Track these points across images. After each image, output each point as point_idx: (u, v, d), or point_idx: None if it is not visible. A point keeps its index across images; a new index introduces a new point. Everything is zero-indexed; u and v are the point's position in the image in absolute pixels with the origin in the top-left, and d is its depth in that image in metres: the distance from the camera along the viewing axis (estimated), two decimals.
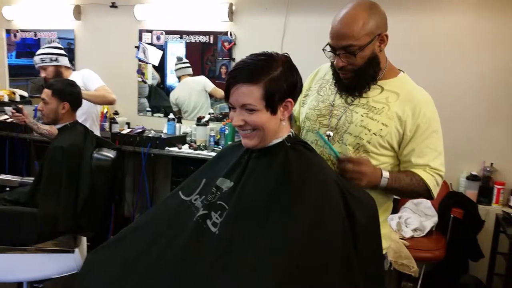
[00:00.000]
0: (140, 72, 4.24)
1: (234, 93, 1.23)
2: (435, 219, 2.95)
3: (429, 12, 3.32)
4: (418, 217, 2.98)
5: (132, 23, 4.15)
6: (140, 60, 4.21)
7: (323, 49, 1.45)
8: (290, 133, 1.32)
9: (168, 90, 4.22)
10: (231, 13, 3.81)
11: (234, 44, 3.88)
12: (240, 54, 3.88)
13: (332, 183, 1.23)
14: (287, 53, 1.29)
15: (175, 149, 3.52)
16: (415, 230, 2.85)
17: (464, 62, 3.25)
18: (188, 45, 4.05)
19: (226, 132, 3.62)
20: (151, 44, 4.16)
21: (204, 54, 4.01)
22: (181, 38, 4.07)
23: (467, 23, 3.23)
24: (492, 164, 3.22)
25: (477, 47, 3.22)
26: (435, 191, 1.45)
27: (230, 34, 3.86)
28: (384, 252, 1.49)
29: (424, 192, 1.44)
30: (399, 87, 1.44)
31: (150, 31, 4.16)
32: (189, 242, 1.23)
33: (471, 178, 3.20)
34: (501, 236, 2.52)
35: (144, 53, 4.16)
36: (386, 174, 1.38)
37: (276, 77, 1.21)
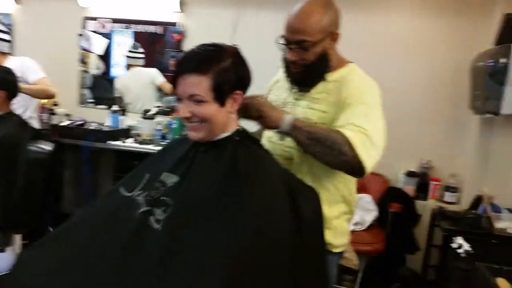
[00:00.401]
0: (83, 61, 4.05)
1: (181, 83, 1.20)
2: (375, 213, 3.05)
3: (377, 12, 3.43)
4: (359, 211, 3.07)
5: (76, 9, 3.95)
6: (83, 48, 4.03)
7: (277, 41, 1.45)
8: (239, 127, 1.31)
9: (112, 81, 4.07)
10: (182, 4, 3.73)
11: (184, 36, 3.81)
12: (190, 46, 3.76)
13: (279, 177, 1.23)
14: (236, 45, 1.27)
15: (118, 143, 3.40)
16: (355, 224, 2.93)
17: (403, 63, 3.39)
18: (136, 35, 3.92)
19: (174, 126, 3.55)
20: (96, 32, 3.99)
21: (153, 45, 3.90)
22: (128, 27, 3.93)
23: (411, 25, 3.36)
24: (429, 161, 3.39)
25: (417, 49, 3.37)
26: (362, 150, 1.24)
27: (180, 26, 3.78)
28: (336, 250, 1.51)
29: (345, 147, 1.24)
30: (342, 75, 1.44)
31: (95, 19, 3.98)
32: (130, 240, 1.19)
33: (409, 174, 3.35)
34: (436, 230, 2.66)
35: (87, 41, 3.98)
36: (287, 112, 1.34)
37: (226, 68, 1.20)
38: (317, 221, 1.31)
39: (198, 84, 1.18)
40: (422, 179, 3.34)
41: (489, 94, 2.72)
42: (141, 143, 3.40)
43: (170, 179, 1.27)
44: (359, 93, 1.36)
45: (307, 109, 1.45)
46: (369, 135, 1.26)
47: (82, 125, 3.46)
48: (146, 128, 3.62)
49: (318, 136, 1.27)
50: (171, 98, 3.92)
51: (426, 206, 3.22)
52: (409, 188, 3.31)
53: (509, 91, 2.68)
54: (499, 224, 2.18)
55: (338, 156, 1.25)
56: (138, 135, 3.62)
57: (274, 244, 1.14)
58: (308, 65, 1.41)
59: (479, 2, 3.23)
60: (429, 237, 2.69)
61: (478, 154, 3.21)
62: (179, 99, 1.24)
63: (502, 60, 2.67)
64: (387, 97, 1.47)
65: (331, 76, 1.47)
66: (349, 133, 1.25)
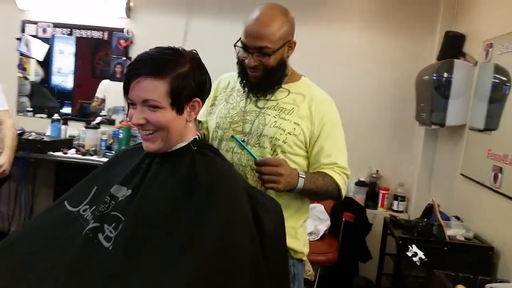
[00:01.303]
0: (22, 67, 3.78)
1: (135, 87, 1.10)
2: (328, 222, 3.06)
3: (327, 25, 3.48)
4: (313, 221, 3.07)
5: (14, 12, 3.69)
6: (21, 53, 3.76)
7: (235, 45, 1.42)
8: (197, 136, 1.23)
9: (53, 89, 3.83)
10: (128, 10, 3.59)
11: (131, 42, 3.67)
12: (137, 53, 3.65)
13: (241, 189, 1.16)
14: (195, 50, 1.20)
15: (59, 153, 3.18)
16: (310, 234, 2.92)
17: (352, 76, 3.48)
18: (79, 41, 3.73)
19: (120, 136, 3.38)
20: (36, 37, 3.74)
21: (97, 52, 3.72)
22: (71, 33, 3.72)
23: (360, 39, 3.45)
24: (377, 171, 3.46)
25: (366, 62, 3.46)
26: (344, 190, 1.47)
27: (127, 32, 3.64)
28: (305, 258, 1.51)
29: (335, 191, 1.45)
30: (303, 90, 1.48)
31: (35, 23, 3.74)
32: (77, 261, 1.06)
33: (360, 184, 3.41)
34: (389, 238, 2.70)
35: (26, 46, 3.73)
36: (302, 174, 1.37)
37: (184, 74, 1.12)
38: (280, 233, 1.25)
39: (154, 88, 1.09)
40: (372, 189, 3.41)
41: (435, 106, 2.82)
42: (84, 154, 3.20)
43: (121, 192, 1.16)
44: (333, 120, 1.47)
45: (278, 118, 1.43)
46: (348, 174, 1.48)
47: (20, 134, 3.20)
48: (90, 138, 3.43)
49: (318, 191, 1.42)
50: (117, 106, 3.75)
51: (376, 215, 3.28)
52: (360, 198, 3.37)
53: (453, 104, 2.80)
54: (449, 232, 2.23)
55: (327, 198, 1.53)
56: (81, 145, 3.42)
57: (236, 261, 1.06)
58: (269, 69, 1.40)
59: (422, 20, 3.38)
60: (382, 245, 2.72)
61: (423, 164, 3.33)
62: (131, 104, 1.15)
63: (446, 75, 2.79)
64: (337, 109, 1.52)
65: (292, 88, 1.48)
66: (339, 180, 1.44)
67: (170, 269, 0.99)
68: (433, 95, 2.83)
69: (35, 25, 3.74)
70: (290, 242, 1.38)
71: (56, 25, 3.72)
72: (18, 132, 3.23)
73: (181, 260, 1.00)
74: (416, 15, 3.39)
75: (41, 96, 3.86)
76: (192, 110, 1.17)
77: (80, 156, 3.16)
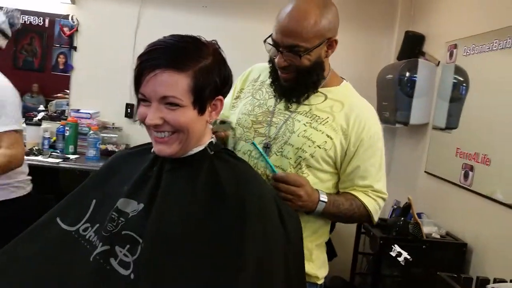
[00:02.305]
0: None
1: (151, 81, 0.92)
2: None
3: None
4: None
5: None
6: None
7: (265, 41, 1.25)
8: (212, 139, 1.08)
9: None
10: None
11: (77, 30, 3.33)
12: (83, 43, 3.35)
13: (271, 199, 1.03)
14: (215, 41, 1.04)
15: None
16: None
17: None
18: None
19: (67, 133, 3.05)
20: None
21: (19, 40, 3.33)
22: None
23: None
24: None
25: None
26: (376, 216, 1.34)
27: (72, 19, 3.29)
28: (320, 282, 1.36)
29: (363, 217, 1.33)
30: (343, 97, 1.31)
31: None
32: None
33: None
34: (363, 237, 2.71)
35: None
36: (324, 197, 1.24)
37: (208, 67, 0.96)
38: (301, 246, 1.14)
39: (174, 83, 0.92)
40: None
41: (399, 105, 2.87)
42: (27, 154, 2.83)
43: (131, 206, 0.99)
44: (374, 136, 1.30)
45: (309, 127, 1.26)
46: (384, 198, 1.35)
47: None
48: (31, 136, 3.06)
49: (341, 216, 1.30)
50: (60, 101, 3.40)
51: None
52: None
53: (416, 103, 2.87)
54: (424, 230, 2.26)
55: (353, 222, 1.48)
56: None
57: (274, 278, 0.95)
58: (302, 71, 1.24)
59: (380, 20, 3.43)
60: (356, 244, 2.72)
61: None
62: (143, 100, 0.97)
63: (410, 74, 2.85)
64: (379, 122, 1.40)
65: (330, 93, 1.32)
66: (370, 206, 1.31)
67: None
68: (397, 94, 2.87)
69: None
70: None
71: None
72: None
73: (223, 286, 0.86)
74: (374, 15, 3.42)
75: None
76: (213, 109, 1.02)
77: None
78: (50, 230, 1.01)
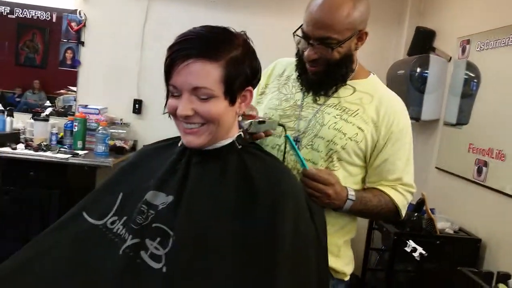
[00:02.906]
0: None
1: (182, 72, 0.91)
2: None
3: (291, 16, 3.38)
4: None
5: None
6: None
7: (294, 33, 1.23)
8: (240, 133, 1.07)
9: None
10: None
11: (84, 25, 3.31)
12: (91, 38, 3.33)
13: (303, 198, 1.02)
14: (244, 31, 1.03)
15: (6, 149, 2.78)
16: None
17: None
18: (21, 21, 3.28)
19: (75, 129, 3.03)
20: None
21: (44, 34, 3.31)
22: (12, 12, 3.27)
23: None
24: None
25: None
26: (404, 211, 1.32)
27: (79, 14, 3.27)
28: (347, 278, 1.34)
29: (391, 213, 1.30)
30: (372, 89, 1.29)
31: None
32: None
33: None
34: (375, 233, 2.70)
35: None
36: (352, 195, 1.21)
37: (239, 58, 0.95)
38: (326, 243, 1.13)
39: (207, 74, 0.91)
40: None
41: (411, 101, 2.85)
42: (36, 149, 2.82)
43: (160, 199, 0.97)
44: (403, 129, 1.29)
45: (339, 120, 1.25)
46: (412, 192, 1.33)
47: None
48: (39, 131, 3.04)
49: (369, 213, 1.30)
50: (67, 96, 3.38)
51: None
52: None
53: (428, 98, 2.85)
54: (437, 225, 2.25)
55: (380, 219, 1.44)
56: (29, 140, 3.03)
57: (308, 278, 0.94)
58: (331, 64, 1.22)
59: (390, 15, 3.41)
60: (367, 240, 2.71)
61: None
62: (173, 92, 0.95)
63: (422, 69, 2.83)
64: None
65: (358, 85, 1.30)
66: (399, 201, 1.29)
67: None
68: (409, 89, 2.85)
69: None
70: (331, 260, 1.22)
71: None
72: None
73: (258, 283, 0.85)
74: (383, 11, 3.40)
75: None
76: (243, 101, 1.01)
77: (32, 152, 2.77)
78: (77, 224, 0.99)
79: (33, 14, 3.27)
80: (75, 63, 3.35)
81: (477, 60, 2.51)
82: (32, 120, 3.08)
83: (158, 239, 0.91)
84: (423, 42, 3.07)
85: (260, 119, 1.14)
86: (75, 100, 3.38)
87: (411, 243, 2.02)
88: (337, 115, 1.26)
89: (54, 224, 1.03)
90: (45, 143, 2.95)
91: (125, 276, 0.88)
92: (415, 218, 2.23)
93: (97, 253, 0.93)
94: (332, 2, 1.17)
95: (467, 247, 2.20)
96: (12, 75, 3.40)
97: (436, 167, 2.81)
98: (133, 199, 1.00)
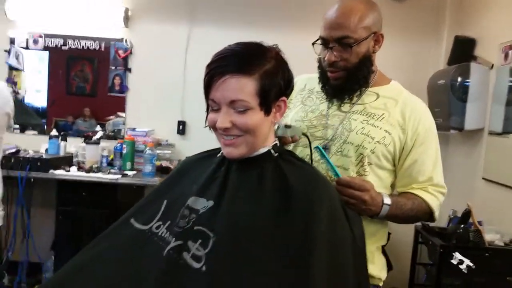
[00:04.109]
0: (12, 81, 3.55)
1: (220, 87, 0.98)
2: None
3: None
4: None
5: (2, 22, 3.46)
6: (11, 67, 3.53)
7: (313, 43, 1.30)
8: (276, 142, 1.12)
9: (28, 105, 3.61)
10: (126, 19, 3.44)
11: (131, 52, 3.51)
12: (137, 64, 3.52)
13: (338, 201, 1.05)
14: (276, 45, 1.09)
15: (61, 171, 2.97)
16: None
17: None
18: (73, 52, 3.52)
19: (124, 151, 3.19)
20: (27, 48, 3.53)
21: (72, 67, 3.54)
22: (65, 43, 3.52)
23: None
24: None
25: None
26: (437, 212, 1.33)
27: (126, 42, 3.48)
28: (381, 284, 1.35)
29: (426, 215, 1.32)
30: (395, 94, 1.34)
31: (26, 34, 3.51)
32: (163, 287, 0.92)
33: None
34: (421, 247, 2.64)
35: (17, 58, 3.50)
36: (387, 200, 1.23)
37: (272, 70, 1.01)
38: (364, 247, 1.14)
39: (242, 87, 0.98)
40: None
41: (453, 111, 2.80)
42: (88, 171, 2.99)
43: (201, 203, 1.03)
44: (429, 130, 1.32)
45: (366, 125, 1.29)
46: (444, 192, 1.34)
47: (16, 152, 2.97)
48: (90, 154, 3.22)
49: (404, 217, 1.29)
50: (117, 120, 3.57)
51: (392, 225, 3.20)
52: None
53: (470, 107, 2.79)
54: (486, 237, 2.18)
55: (415, 222, 1.42)
56: (82, 162, 3.22)
57: (346, 280, 0.96)
58: (350, 68, 1.27)
59: (429, 25, 3.38)
60: (413, 255, 2.65)
61: None
62: (213, 107, 1.03)
63: (463, 78, 2.78)
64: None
65: (381, 91, 1.34)
66: (432, 202, 1.31)
67: None
68: (450, 99, 2.81)
69: (25, 37, 3.52)
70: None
71: (48, 36, 3.52)
72: (13, 150, 3.01)
73: (292, 283, 0.88)
74: (421, 22, 3.39)
75: (24, 113, 3.63)
76: (277, 110, 1.07)
77: (84, 174, 2.95)
78: (125, 230, 1.07)
79: (84, 45, 3.51)
80: (123, 89, 3.54)
81: None
82: (84, 144, 3.27)
83: (200, 241, 0.97)
84: (463, 51, 3.02)
85: (287, 124, 1.19)
86: (123, 123, 3.57)
87: (458, 255, 1.96)
88: (363, 120, 1.29)
89: (105, 231, 1.11)
90: (96, 165, 3.12)
91: (168, 276, 0.94)
92: (461, 230, 2.16)
93: (143, 256, 1.00)
94: (346, 6, 1.26)
95: None
96: (64, 104, 3.64)
97: (483, 178, 2.72)
98: (176, 205, 1.06)
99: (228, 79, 0.97)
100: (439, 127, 2.92)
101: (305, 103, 1.41)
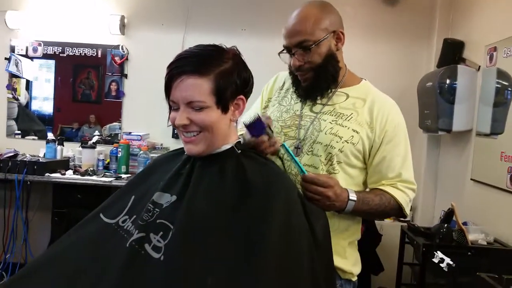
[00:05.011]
0: (11, 87, 3.64)
1: (177, 87, 1.03)
2: None
3: None
4: None
5: (3, 31, 3.57)
6: (11, 74, 3.63)
7: (279, 54, 1.35)
8: (240, 139, 1.17)
9: (34, 113, 3.71)
10: (122, 26, 3.52)
11: (127, 59, 3.59)
12: (133, 70, 3.60)
13: (295, 195, 1.10)
14: (235, 47, 1.15)
15: (57, 175, 3.04)
16: None
17: None
18: (71, 59, 3.61)
19: (119, 155, 3.26)
20: (26, 56, 3.63)
21: (77, 75, 3.63)
22: (63, 51, 3.61)
23: (357, 49, 3.44)
24: None
25: (364, 72, 3.42)
26: (407, 208, 1.34)
27: (122, 48, 3.56)
28: (355, 279, 1.38)
29: (395, 211, 1.34)
30: (364, 94, 1.37)
31: (25, 42, 3.62)
32: (125, 276, 0.97)
33: None
34: (406, 247, 2.66)
35: (16, 66, 3.60)
36: (353, 196, 1.25)
37: (228, 70, 1.06)
38: (328, 242, 1.18)
39: (198, 87, 1.03)
40: None
41: (441, 112, 2.83)
42: (83, 174, 3.06)
43: (165, 198, 1.08)
44: (397, 126, 1.34)
45: (335, 125, 1.32)
46: (413, 188, 1.36)
47: (14, 156, 3.05)
48: (86, 158, 3.30)
49: (372, 213, 1.31)
50: (113, 125, 3.64)
51: (383, 226, 3.22)
52: None
53: (458, 109, 2.81)
54: (469, 237, 2.20)
55: (385, 218, 1.43)
56: (78, 166, 3.29)
57: (299, 272, 1.00)
58: (316, 68, 1.31)
59: (420, 28, 3.42)
60: (400, 255, 2.67)
61: (428, 172, 3.32)
62: (173, 107, 1.08)
63: (450, 80, 2.81)
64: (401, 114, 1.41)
65: (351, 91, 1.38)
66: (401, 198, 1.32)
67: (232, 281, 0.91)
68: (438, 101, 2.83)
69: (24, 45, 3.62)
70: (338, 261, 1.28)
71: (47, 44, 3.61)
72: (11, 154, 3.09)
73: (243, 271, 0.93)
74: (412, 25, 3.43)
75: (27, 119, 3.73)
76: (236, 108, 1.11)
77: (79, 177, 3.02)
78: (93, 223, 1.12)
79: (81, 52, 3.60)
80: (120, 94, 3.62)
81: (505, 67, 2.46)
82: (80, 148, 3.35)
83: (161, 233, 1.02)
84: (452, 53, 3.05)
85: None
86: (120, 128, 3.64)
87: (439, 254, 1.98)
88: (332, 120, 1.33)
89: (76, 225, 1.17)
90: (91, 169, 3.19)
91: (130, 266, 0.99)
92: (444, 230, 2.18)
93: (108, 247, 1.05)
94: (300, 13, 1.31)
95: (501, 259, 2.12)
96: (70, 111, 3.72)
97: (472, 179, 2.74)
98: (143, 200, 1.11)
99: (185, 79, 1.03)
100: (428, 129, 3.00)
101: (281, 103, 1.45)
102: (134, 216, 1.09)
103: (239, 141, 1.16)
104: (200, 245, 0.96)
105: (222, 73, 1.05)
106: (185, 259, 0.95)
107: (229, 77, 1.06)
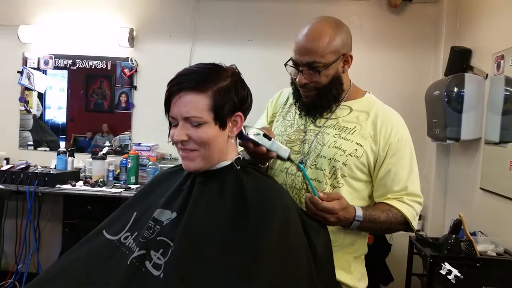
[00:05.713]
0: (24, 100, 3.72)
1: (176, 103, 1.06)
2: None
3: None
4: None
5: (16, 45, 3.65)
6: (24, 87, 3.70)
7: (285, 64, 1.35)
8: (239, 155, 1.18)
9: (47, 122, 3.77)
10: (131, 39, 3.58)
11: (136, 71, 3.64)
12: (142, 82, 3.65)
13: (293, 210, 1.11)
14: (235, 65, 1.17)
15: (67, 186, 3.09)
16: None
17: None
18: (81, 71, 3.68)
19: (129, 165, 3.30)
20: (38, 69, 3.70)
21: (90, 85, 3.68)
22: (73, 64, 3.68)
23: (365, 58, 3.43)
24: None
25: (372, 81, 3.40)
26: (415, 222, 1.33)
27: (131, 61, 3.62)
28: None
29: (402, 225, 1.32)
30: (368, 107, 1.37)
31: (37, 55, 3.69)
32: None
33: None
34: (415, 258, 2.64)
35: (28, 79, 3.68)
36: (359, 216, 1.24)
37: (226, 87, 1.08)
38: (329, 256, 1.18)
39: (196, 103, 1.05)
40: None
41: (449, 121, 2.81)
42: (93, 185, 3.10)
43: (165, 215, 1.10)
44: (402, 139, 1.33)
45: (338, 138, 1.32)
46: (420, 202, 1.35)
47: (26, 168, 3.11)
48: (97, 169, 3.34)
49: (378, 229, 1.32)
50: (123, 136, 3.69)
51: (393, 236, 3.19)
52: None
53: (466, 117, 2.79)
54: (478, 248, 2.17)
55: (392, 232, 1.41)
56: (88, 177, 3.34)
57: (296, 280, 1.01)
58: (320, 88, 1.31)
59: (427, 37, 3.41)
60: (408, 265, 2.64)
61: (437, 181, 3.29)
62: (172, 123, 1.10)
63: (458, 89, 2.79)
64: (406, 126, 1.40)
65: (354, 105, 1.38)
66: (407, 213, 1.31)
67: None
68: (446, 110, 2.81)
69: (36, 58, 3.69)
70: (342, 276, 1.28)
71: (58, 57, 3.68)
72: (23, 166, 3.15)
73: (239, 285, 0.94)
74: (419, 34, 3.42)
75: (40, 130, 3.80)
76: (234, 125, 1.13)
77: (89, 188, 3.06)
78: (96, 240, 1.14)
79: (91, 64, 3.66)
80: (129, 105, 3.67)
81: None
82: (90, 159, 3.39)
83: (161, 250, 1.03)
84: (459, 61, 3.03)
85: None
86: (130, 139, 3.68)
87: (446, 266, 1.96)
88: (336, 134, 1.33)
89: (79, 241, 1.19)
90: (102, 180, 3.23)
91: (130, 283, 1.00)
92: (452, 240, 2.16)
93: (110, 264, 1.07)
94: (315, 30, 1.28)
95: (510, 270, 2.09)
96: (84, 120, 3.79)
97: (481, 188, 2.71)
98: (144, 217, 1.13)
99: (183, 96, 1.05)
100: (436, 138, 2.97)
101: (285, 118, 1.46)
102: (136, 233, 1.11)
103: (239, 157, 1.17)
104: (198, 263, 0.98)
105: (220, 90, 1.07)
106: (182, 278, 0.96)
107: (227, 94, 1.08)
